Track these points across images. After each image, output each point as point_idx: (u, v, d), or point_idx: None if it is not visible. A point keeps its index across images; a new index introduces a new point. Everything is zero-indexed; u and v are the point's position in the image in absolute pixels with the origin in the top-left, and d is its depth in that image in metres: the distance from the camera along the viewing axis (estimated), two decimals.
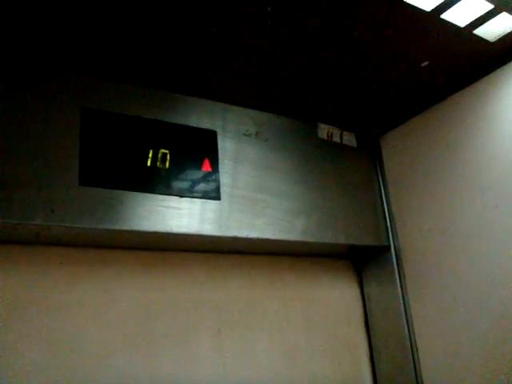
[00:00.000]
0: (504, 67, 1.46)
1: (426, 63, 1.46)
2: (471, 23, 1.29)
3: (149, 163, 1.37)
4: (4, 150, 1.17)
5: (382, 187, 1.87)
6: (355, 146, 1.88)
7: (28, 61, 1.28)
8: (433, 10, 1.22)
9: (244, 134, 1.59)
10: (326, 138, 1.79)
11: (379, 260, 1.84)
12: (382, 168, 1.89)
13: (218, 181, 1.47)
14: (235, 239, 1.47)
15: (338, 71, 1.49)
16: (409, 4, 1.18)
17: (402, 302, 1.73)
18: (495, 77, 1.48)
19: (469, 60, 1.47)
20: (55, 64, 1.31)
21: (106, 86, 1.38)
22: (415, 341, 1.67)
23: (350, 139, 1.86)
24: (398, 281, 1.75)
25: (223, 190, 1.47)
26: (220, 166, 1.49)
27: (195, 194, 1.42)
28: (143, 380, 1.37)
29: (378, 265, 1.85)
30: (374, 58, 1.43)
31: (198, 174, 1.45)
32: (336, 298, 1.86)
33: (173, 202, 1.37)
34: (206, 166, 1.46)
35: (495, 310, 1.41)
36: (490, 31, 1.33)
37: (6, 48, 1.23)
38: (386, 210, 1.84)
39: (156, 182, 1.36)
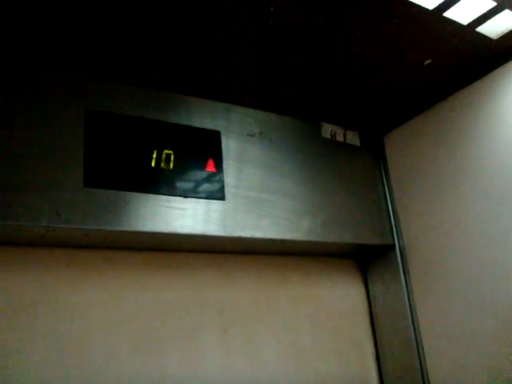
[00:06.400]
0: (507, 64, 1.46)
1: (429, 61, 1.46)
2: (474, 21, 1.29)
3: (153, 164, 1.37)
4: (9, 152, 1.17)
5: (386, 186, 1.87)
6: (359, 145, 1.88)
7: (31, 63, 1.28)
8: (435, 8, 1.21)
9: (248, 134, 1.59)
10: (329, 137, 1.79)
11: (384, 259, 1.84)
12: (385, 167, 1.89)
13: (222, 181, 1.47)
14: (240, 239, 1.47)
15: (341, 70, 1.49)
16: (412, 2, 1.18)
17: (407, 300, 1.73)
18: (498, 74, 1.48)
19: (471, 58, 1.47)
20: (59, 66, 1.31)
21: (110, 87, 1.38)
22: (421, 339, 1.67)
23: (353, 138, 1.86)
24: (403, 280, 1.75)
25: (227, 190, 1.47)
26: (224, 167, 1.50)
27: (199, 195, 1.42)
28: (150, 381, 1.37)
29: (382, 264, 1.85)
30: (376, 57, 1.43)
31: (202, 175, 1.45)
32: (341, 297, 1.86)
33: (177, 202, 1.37)
34: (210, 167, 1.47)
35: (501, 308, 1.41)
36: (493, 29, 1.33)
37: (9, 50, 1.24)
38: (390, 208, 1.84)
39: (160, 183, 1.36)
